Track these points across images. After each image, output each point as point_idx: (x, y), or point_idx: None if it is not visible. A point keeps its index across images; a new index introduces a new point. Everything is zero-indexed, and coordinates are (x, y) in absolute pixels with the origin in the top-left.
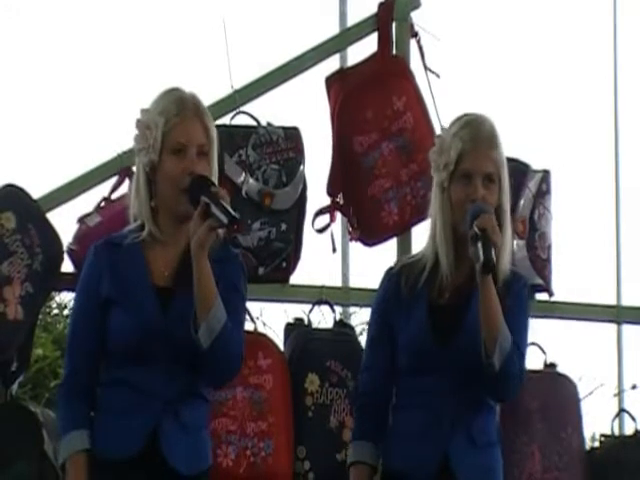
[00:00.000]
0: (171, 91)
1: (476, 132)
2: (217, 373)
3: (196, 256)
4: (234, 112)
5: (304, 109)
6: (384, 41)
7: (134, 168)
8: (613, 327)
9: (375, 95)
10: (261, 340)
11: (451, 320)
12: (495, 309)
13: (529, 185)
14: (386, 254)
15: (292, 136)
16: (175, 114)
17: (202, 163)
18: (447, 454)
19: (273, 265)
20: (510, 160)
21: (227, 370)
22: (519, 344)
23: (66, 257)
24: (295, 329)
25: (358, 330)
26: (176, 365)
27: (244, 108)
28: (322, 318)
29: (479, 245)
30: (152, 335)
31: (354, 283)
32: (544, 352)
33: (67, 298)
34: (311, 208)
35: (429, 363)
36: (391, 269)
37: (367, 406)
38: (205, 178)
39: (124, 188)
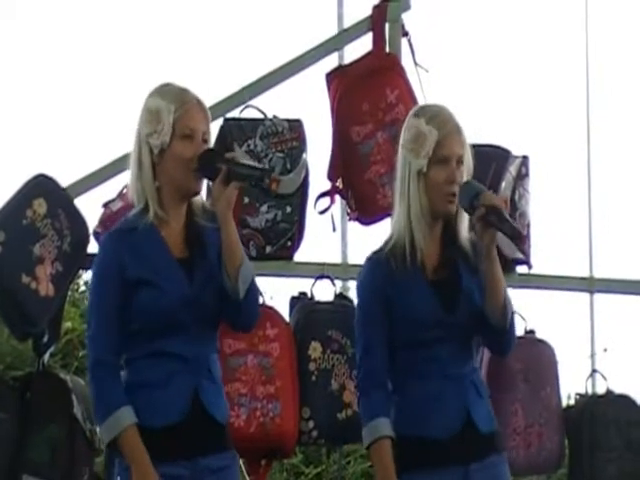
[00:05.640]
0: (169, 84)
1: (447, 121)
2: (250, 318)
3: (225, 217)
4: (243, 106)
5: (306, 103)
6: (378, 40)
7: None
8: (586, 296)
9: (371, 89)
10: (269, 312)
11: (450, 290)
12: (501, 275)
13: (510, 169)
14: (381, 233)
15: (295, 127)
16: (182, 103)
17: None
18: (468, 410)
19: (279, 244)
20: (493, 147)
21: (256, 314)
22: None
23: (92, 239)
24: (299, 302)
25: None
26: (203, 328)
27: (252, 102)
28: (323, 292)
29: (496, 221)
30: (184, 304)
31: (352, 260)
32: (524, 320)
33: None
34: (313, 192)
35: (438, 332)
36: (376, 255)
37: (374, 387)
38: (212, 150)
39: None
